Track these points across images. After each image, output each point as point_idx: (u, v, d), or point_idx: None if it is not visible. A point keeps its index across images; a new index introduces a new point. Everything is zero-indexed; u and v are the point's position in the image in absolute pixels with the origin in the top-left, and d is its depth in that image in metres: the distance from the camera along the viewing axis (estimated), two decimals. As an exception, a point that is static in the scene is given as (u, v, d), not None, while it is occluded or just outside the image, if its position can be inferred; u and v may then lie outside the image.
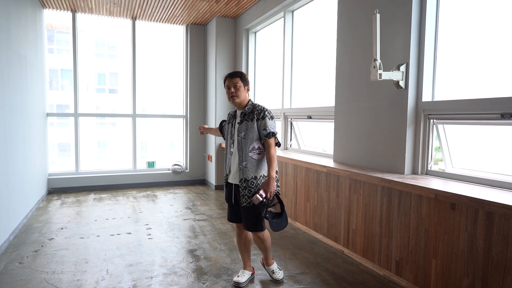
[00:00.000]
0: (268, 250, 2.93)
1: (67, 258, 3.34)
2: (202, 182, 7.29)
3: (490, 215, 2.20)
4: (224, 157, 2.93)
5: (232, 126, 2.86)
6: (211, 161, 6.84)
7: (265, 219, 2.75)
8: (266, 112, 2.72)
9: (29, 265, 3.18)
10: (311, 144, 4.84)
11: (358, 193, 3.35)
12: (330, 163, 3.84)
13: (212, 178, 6.83)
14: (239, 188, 2.73)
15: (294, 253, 3.54)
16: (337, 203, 3.65)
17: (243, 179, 2.70)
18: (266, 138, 2.68)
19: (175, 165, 7.12)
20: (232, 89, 2.75)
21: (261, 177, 2.72)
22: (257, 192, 2.63)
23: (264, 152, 2.74)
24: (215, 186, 6.66)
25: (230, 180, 2.84)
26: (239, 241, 2.97)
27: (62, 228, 4.21)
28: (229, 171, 2.85)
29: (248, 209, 2.72)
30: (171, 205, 5.41)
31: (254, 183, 2.69)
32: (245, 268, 2.97)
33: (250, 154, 2.70)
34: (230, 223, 4.44)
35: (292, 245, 3.76)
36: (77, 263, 3.23)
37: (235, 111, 2.92)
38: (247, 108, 2.78)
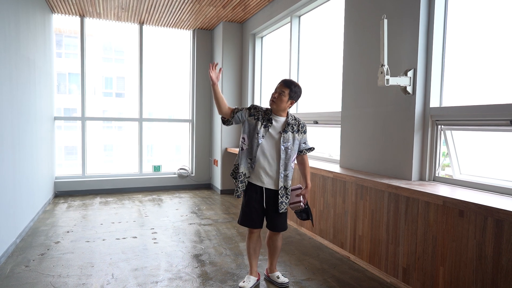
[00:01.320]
0: (279, 251, 3.05)
1: (73, 261, 3.35)
2: (208, 186, 7.29)
3: (500, 222, 2.17)
4: (246, 155, 2.79)
5: (262, 126, 2.76)
6: (216, 165, 6.84)
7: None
8: (306, 127, 2.93)
9: (35, 268, 3.20)
10: (317, 149, 4.81)
11: (364, 199, 3.33)
12: (336, 168, 3.82)
13: (217, 183, 6.83)
14: (278, 195, 2.80)
15: (299, 259, 3.51)
16: (343, 208, 3.62)
17: (283, 187, 2.80)
18: (307, 151, 2.92)
19: (180, 169, 7.13)
20: (276, 94, 2.79)
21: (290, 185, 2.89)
22: (298, 200, 2.86)
23: None
24: (221, 190, 6.65)
25: (259, 183, 2.79)
26: (250, 245, 2.94)
27: (68, 232, 4.23)
28: (250, 173, 2.80)
29: (282, 214, 2.88)
30: (176, 209, 5.41)
31: (288, 190, 2.85)
32: (251, 273, 2.95)
33: (292, 164, 2.84)
34: (236, 227, 4.45)
35: (297, 250, 3.74)
36: (82, 267, 3.24)
37: (267, 112, 2.82)
38: (290, 119, 2.83)
